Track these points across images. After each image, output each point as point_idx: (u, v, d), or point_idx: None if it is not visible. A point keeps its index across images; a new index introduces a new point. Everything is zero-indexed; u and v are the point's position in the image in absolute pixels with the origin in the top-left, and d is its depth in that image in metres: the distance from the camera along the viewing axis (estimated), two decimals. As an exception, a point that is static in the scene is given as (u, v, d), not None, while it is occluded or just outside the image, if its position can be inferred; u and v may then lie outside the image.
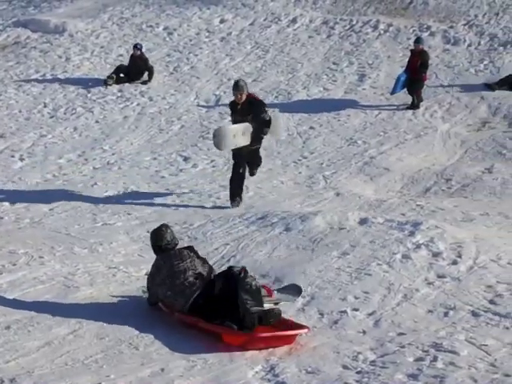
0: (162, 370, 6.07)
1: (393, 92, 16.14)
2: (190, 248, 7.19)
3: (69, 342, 6.49)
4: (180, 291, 6.76)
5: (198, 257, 7.09)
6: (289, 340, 6.45)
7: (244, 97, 10.81)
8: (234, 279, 6.55)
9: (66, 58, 19.01)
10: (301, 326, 6.57)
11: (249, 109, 10.79)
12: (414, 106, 15.88)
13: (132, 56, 17.94)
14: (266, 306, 6.66)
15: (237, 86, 10.86)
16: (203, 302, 6.64)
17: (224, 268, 7.28)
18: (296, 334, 6.48)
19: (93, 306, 7.21)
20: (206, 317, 6.57)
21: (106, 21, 21.07)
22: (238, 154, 11.03)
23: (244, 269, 6.65)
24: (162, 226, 7.28)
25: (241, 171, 11.01)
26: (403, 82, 16.00)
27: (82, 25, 20.89)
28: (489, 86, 16.31)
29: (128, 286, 7.78)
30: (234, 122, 11.01)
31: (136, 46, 18.04)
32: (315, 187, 11.99)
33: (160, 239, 7.12)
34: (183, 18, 21.17)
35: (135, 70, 17.77)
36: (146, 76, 17.81)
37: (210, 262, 7.41)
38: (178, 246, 7.13)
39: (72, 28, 20.59)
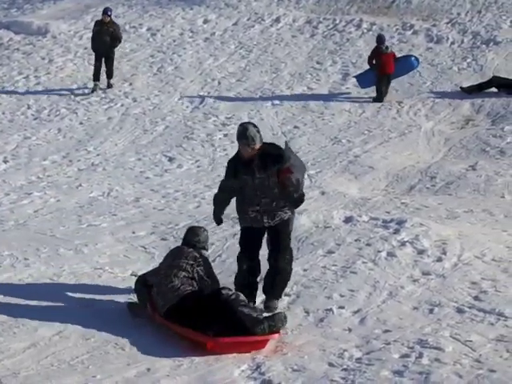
0: (148, 369, 6.07)
1: (363, 87, 16.64)
2: (204, 258, 7.04)
3: (54, 343, 6.47)
4: (162, 292, 6.74)
5: (207, 269, 6.92)
6: (259, 345, 6.36)
7: (257, 149, 6.96)
8: (225, 301, 6.49)
9: (49, 60, 18.95)
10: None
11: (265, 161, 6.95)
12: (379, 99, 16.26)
13: (100, 22, 17.31)
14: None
15: (245, 136, 6.91)
16: (185, 312, 6.54)
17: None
18: (265, 340, 6.38)
19: (78, 307, 7.19)
20: (181, 323, 6.54)
21: (89, 22, 20.99)
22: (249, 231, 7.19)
23: (235, 293, 6.60)
24: (204, 228, 7.39)
25: (245, 267, 7.19)
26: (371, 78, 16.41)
27: (65, 26, 20.83)
28: (464, 90, 16.37)
29: (114, 287, 7.76)
30: (245, 189, 7.03)
31: (106, 12, 17.40)
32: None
33: (191, 233, 7.17)
34: (166, 19, 21.16)
35: (106, 39, 16.97)
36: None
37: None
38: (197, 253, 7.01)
39: (55, 29, 20.54)
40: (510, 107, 15.54)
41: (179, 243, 8.16)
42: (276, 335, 6.41)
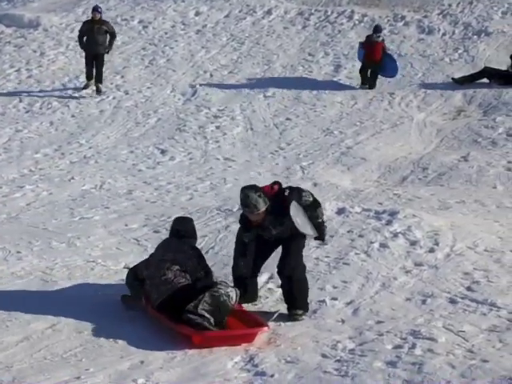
0: (142, 362, 6.07)
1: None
2: (196, 249, 7.03)
3: (47, 337, 6.47)
4: (156, 284, 6.73)
5: (199, 261, 6.89)
6: (247, 339, 6.33)
7: (263, 212, 6.75)
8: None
9: (41, 53, 18.87)
10: (261, 324, 6.45)
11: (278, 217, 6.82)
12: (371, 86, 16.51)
13: (91, 21, 16.46)
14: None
15: (247, 205, 6.76)
16: (178, 305, 6.52)
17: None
18: (253, 334, 6.37)
19: (71, 300, 7.18)
20: (173, 316, 6.53)
21: (81, 15, 20.91)
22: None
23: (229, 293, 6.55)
24: (190, 218, 7.32)
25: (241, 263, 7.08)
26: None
27: (57, 19, 20.74)
28: (456, 81, 16.39)
29: (106, 280, 7.75)
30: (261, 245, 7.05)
31: (96, 9, 16.54)
32: (292, 178, 12.00)
33: (178, 223, 7.07)
34: (158, 11, 21.09)
35: (97, 39, 16.10)
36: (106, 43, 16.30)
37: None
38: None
39: (46, 22, 20.44)
40: (502, 98, 15.57)
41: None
42: (265, 328, 6.39)
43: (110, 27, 16.48)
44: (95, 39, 16.22)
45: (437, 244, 8.34)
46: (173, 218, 7.34)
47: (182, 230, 7.00)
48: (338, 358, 6.09)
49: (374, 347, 6.21)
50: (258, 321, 6.55)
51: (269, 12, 20.77)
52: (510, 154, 12.81)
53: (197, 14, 20.95)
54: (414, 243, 8.35)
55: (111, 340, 6.40)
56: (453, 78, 16.51)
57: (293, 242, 6.90)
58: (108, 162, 13.04)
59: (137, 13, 21.06)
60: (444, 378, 5.70)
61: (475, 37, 18.68)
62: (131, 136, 14.34)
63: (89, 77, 16.45)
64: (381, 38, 16.86)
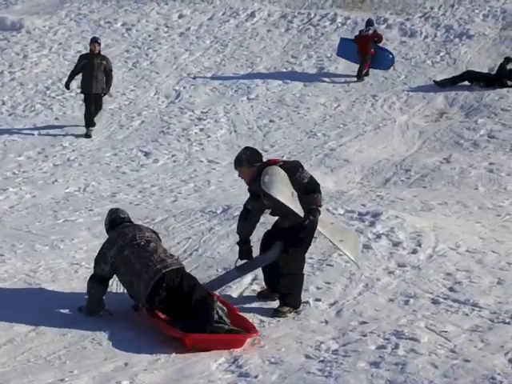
0: (126, 364, 6.07)
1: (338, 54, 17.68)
2: (153, 230, 7.11)
3: (31, 339, 6.45)
4: (145, 277, 6.54)
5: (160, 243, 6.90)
6: (237, 344, 6.31)
7: (249, 175, 6.91)
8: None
9: (24, 55, 18.82)
10: (251, 329, 6.43)
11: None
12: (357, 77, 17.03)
13: (90, 54, 14.55)
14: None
15: (235, 162, 7.00)
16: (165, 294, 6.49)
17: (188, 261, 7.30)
18: (243, 339, 6.35)
19: (55, 302, 7.17)
20: (168, 312, 6.53)
21: (64, 17, 20.91)
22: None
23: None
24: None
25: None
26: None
27: (40, 21, 20.70)
28: (438, 83, 16.51)
29: (90, 282, 7.74)
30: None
31: (96, 40, 14.77)
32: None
33: (118, 213, 7.02)
34: (141, 14, 21.09)
35: (98, 75, 14.23)
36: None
37: (173, 257, 7.39)
38: None
39: (29, 25, 20.40)
40: (483, 100, 15.68)
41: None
42: (254, 334, 6.38)
43: (109, 64, 14.50)
44: (95, 76, 14.21)
45: (419, 245, 8.40)
46: (109, 212, 7.13)
47: (126, 218, 7.02)
48: (322, 358, 6.12)
49: (357, 348, 6.24)
50: (247, 325, 6.52)
51: (252, 15, 20.82)
52: (491, 156, 12.90)
53: (180, 16, 20.97)
54: (396, 244, 8.40)
55: (95, 342, 6.40)
56: (435, 81, 16.61)
57: (295, 234, 6.84)
58: (92, 165, 13.03)
59: (120, 15, 21.06)
60: (426, 378, 5.73)
61: (457, 39, 18.81)
62: (115, 138, 14.32)
63: (90, 123, 14.33)
64: (371, 31, 17.29)
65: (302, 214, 6.79)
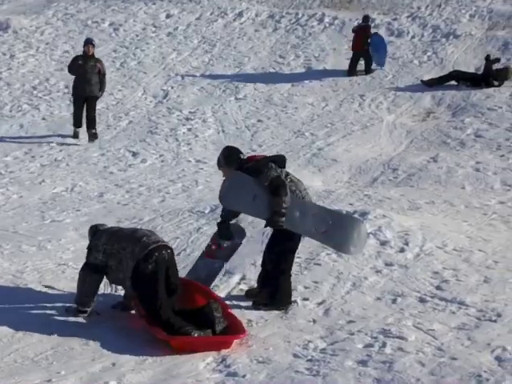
0: (113, 364, 6.06)
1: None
2: None
3: (18, 340, 6.43)
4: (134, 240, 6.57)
5: None
6: (225, 345, 6.28)
7: (225, 172, 7.15)
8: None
9: (11, 55, 18.75)
10: (239, 330, 6.41)
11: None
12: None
13: (84, 56, 14.12)
14: None
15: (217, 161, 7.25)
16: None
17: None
18: (231, 340, 6.33)
19: (42, 303, 7.14)
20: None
21: (51, 17, 20.84)
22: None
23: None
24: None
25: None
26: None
27: (27, 21, 20.63)
28: (425, 83, 16.57)
29: (78, 283, 7.73)
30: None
31: (90, 42, 14.30)
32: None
33: (101, 225, 7.08)
34: (129, 14, 21.06)
35: (91, 78, 13.90)
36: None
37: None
38: None
39: (16, 24, 20.33)
40: (470, 99, 15.73)
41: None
42: (242, 336, 6.36)
43: (103, 67, 14.19)
44: (89, 79, 13.91)
45: (407, 244, 8.42)
46: (89, 231, 7.11)
47: (105, 227, 7.06)
48: (310, 357, 6.13)
49: (345, 346, 6.26)
50: (237, 325, 6.48)
51: (240, 14, 20.82)
52: (478, 155, 12.94)
53: (168, 16, 20.95)
54: (384, 243, 8.43)
55: (82, 343, 6.38)
56: (422, 80, 16.66)
57: (274, 236, 7.00)
58: (79, 165, 13.00)
59: (107, 15, 21.01)
60: (414, 376, 5.76)
61: (444, 39, 18.87)
62: (102, 139, 14.29)
63: (78, 123, 14.16)
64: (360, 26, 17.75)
65: (264, 217, 6.87)
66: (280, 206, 6.76)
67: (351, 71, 17.39)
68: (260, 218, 7.02)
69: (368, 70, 17.42)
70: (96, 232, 6.95)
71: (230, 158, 7.05)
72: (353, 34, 17.93)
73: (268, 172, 6.84)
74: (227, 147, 7.35)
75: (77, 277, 7.75)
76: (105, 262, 6.69)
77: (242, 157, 7.08)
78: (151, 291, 6.45)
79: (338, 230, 6.95)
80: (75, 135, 14.19)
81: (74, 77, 14.13)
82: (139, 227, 6.84)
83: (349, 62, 17.55)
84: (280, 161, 7.11)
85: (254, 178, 6.84)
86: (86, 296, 6.78)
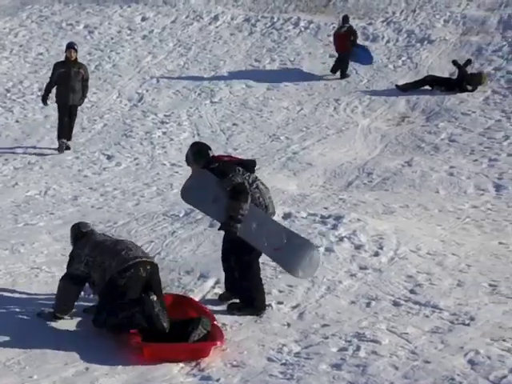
0: (87, 369, 6.03)
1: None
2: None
3: (-10, 344, 6.39)
4: (113, 254, 6.50)
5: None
6: (202, 354, 6.18)
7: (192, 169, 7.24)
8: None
9: (-16, 57, 18.63)
10: (215, 338, 6.32)
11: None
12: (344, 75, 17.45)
13: (66, 62, 13.44)
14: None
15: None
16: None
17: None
18: (208, 348, 6.22)
19: (14, 306, 7.09)
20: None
21: (25, 19, 20.72)
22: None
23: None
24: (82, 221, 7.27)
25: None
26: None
27: (0, 23, 20.51)
28: (399, 87, 16.67)
29: (51, 286, 7.64)
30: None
31: (72, 46, 13.50)
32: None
33: (84, 226, 7.01)
34: (104, 16, 20.98)
35: (74, 85, 13.24)
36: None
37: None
38: None
39: (-11, 26, 20.20)
40: (444, 104, 15.83)
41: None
42: (218, 342, 6.27)
43: (86, 72, 13.54)
44: (72, 86, 13.22)
45: (381, 248, 8.46)
46: (71, 230, 7.06)
47: (89, 229, 7.00)
48: (284, 361, 6.13)
49: (319, 350, 6.27)
50: (215, 333, 6.39)
51: (215, 18, 20.82)
52: (452, 160, 13.02)
53: (143, 19, 20.90)
54: (358, 247, 8.46)
55: (55, 347, 6.33)
56: (397, 85, 16.75)
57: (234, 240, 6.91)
58: (53, 168, 12.91)
59: (82, 18, 20.92)
60: (387, 380, 5.78)
61: (418, 44, 18.98)
62: (77, 142, 14.21)
63: (63, 134, 13.43)
64: (345, 29, 17.71)
65: (221, 220, 6.87)
66: (237, 212, 6.70)
67: (334, 70, 17.57)
68: (217, 221, 7.03)
69: (343, 75, 17.47)
70: (78, 236, 6.88)
71: (198, 155, 7.02)
72: (331, 37, 18.02)
73: (233, 177, 6.76)
74: (196, 143, 7.33)
75: (50, 281, 7.74)
76: (87, 274, 6.64)
77: (210, 154, 7.05)
78: (112, 302, 6.36)
79: (290, 250, 6.88)
80: (61, 148, 13.41)
81: (56, 86, 13.30)
82: (123, 238, 6.71)
83: (333, 63, 17.69)
84: (249, 165, 7.05)
85: (218, 180, 6.77)
86: (64, 305, 6.74)
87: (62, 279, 6.74)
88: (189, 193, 6.98)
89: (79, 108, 13.89)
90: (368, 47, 18.21)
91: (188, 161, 7.14)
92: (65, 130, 13.49)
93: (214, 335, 6.37)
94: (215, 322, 6.57)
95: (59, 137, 13.51)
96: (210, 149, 7.13)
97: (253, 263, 7.04)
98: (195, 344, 6.27)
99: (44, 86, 13.91)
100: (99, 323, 6.41)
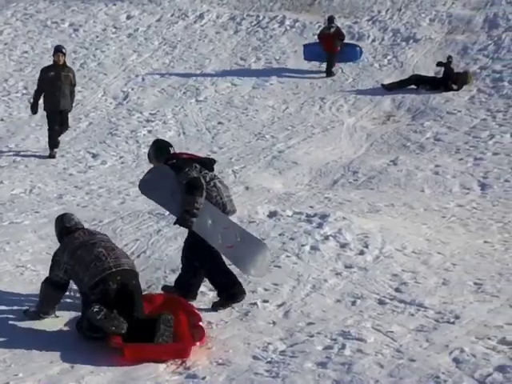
0: (72, 367, 6.01)
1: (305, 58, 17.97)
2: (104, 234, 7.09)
3: (-25, 343, 6.36)
4: (89, 262, 6.43)
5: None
6: (183, 354, 6.13)
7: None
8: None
9: (-32, 55, 18.54)
10: (199, 337, 6.27)
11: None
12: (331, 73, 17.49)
13: (54, 65, 12.97)
14: None
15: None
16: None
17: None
18: (188, 348, 6.18)
19: (0, 305, 7.07)
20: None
21: (10, 17, 20.63)
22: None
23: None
24: (67, 212, 7.21)
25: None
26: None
27: (-16, 21, 20.41)
28: (385, 86, 16.72)
29: (36, 285, 7.58)
30: None
31: (60, 50, 12.97)
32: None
33: (68, 220, 6.90)
34: (89, 14, 20.93)
35: (65, 90, 12.82)
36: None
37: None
38: None
39: (-26, 24, 20.11)
40: (429, 103, 15.89)
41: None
42: (198, 343, 6.22)
43: (75, 77, 13.14)
44: (63, 91, 12.75)
45: (366, 246, 8.48)
46: (56, 222, 6.99)
47: (74, 223, 6.88)
48: (269, 359, 6.13)
49: (304, 348, 6.28)
50: (197, 333, 6.36)
51: (201, 16, 20.81)
52: (437, 158, 13.07)
53: (128, 17, 20.86)
54: (344, 246, 8.47)
55: (41, 345, 6.31)
56: (382, 84, 16.80)
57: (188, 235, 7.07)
58: (38, 166, 12.87)
59: (67, 16, 20.86)
60: (373, 378, 5.79)
61: (404, 43, 19.05)
62: (62, 140, 14.15)
63: (54, 143, 13.05)
64: (333, 30, 17.79)
65: (176, 214, 6.91)
66: (192, 206, 6.76)
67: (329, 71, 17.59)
68: (173, 215, 7.10)
69: (329, 73, 17.51)
70: (63, 232, 6.80)
71: (159, 151, 7.15)
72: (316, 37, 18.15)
73: (189, 171, 6.82)
74: (157, 140, 7.53)
75: (35, 279, 7.72)
76: (66, 280, 6.63)
77: (171, 151, 7.15)
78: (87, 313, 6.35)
79: (243, 248, 6.95)
80: (52, 156, 13.07)
81: (45, 91, 12.79)
82: (100, 240, 6.61)
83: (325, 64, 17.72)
84: (208, 163, 7.13)
85: (175, 174, 6.85)
86: (47, 306, 6.73)
87: (44, 282, 6.73)
88: (147, 184, 7.14)
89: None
90: (356, 44, 18.29)
91: (150, 158, 7.29)
92: (56, 139, 13.06)
93: (195, 335, 6.36)
94: (200, 323, 6.56)
95: (51, 147, 13.11)
96: (172, 146, 7.25)
97: (213, 253, 7.03)
98: (176, 344, 6.27)
99: (33, 92, 13.48)
100: (81, 330, 6.43)
